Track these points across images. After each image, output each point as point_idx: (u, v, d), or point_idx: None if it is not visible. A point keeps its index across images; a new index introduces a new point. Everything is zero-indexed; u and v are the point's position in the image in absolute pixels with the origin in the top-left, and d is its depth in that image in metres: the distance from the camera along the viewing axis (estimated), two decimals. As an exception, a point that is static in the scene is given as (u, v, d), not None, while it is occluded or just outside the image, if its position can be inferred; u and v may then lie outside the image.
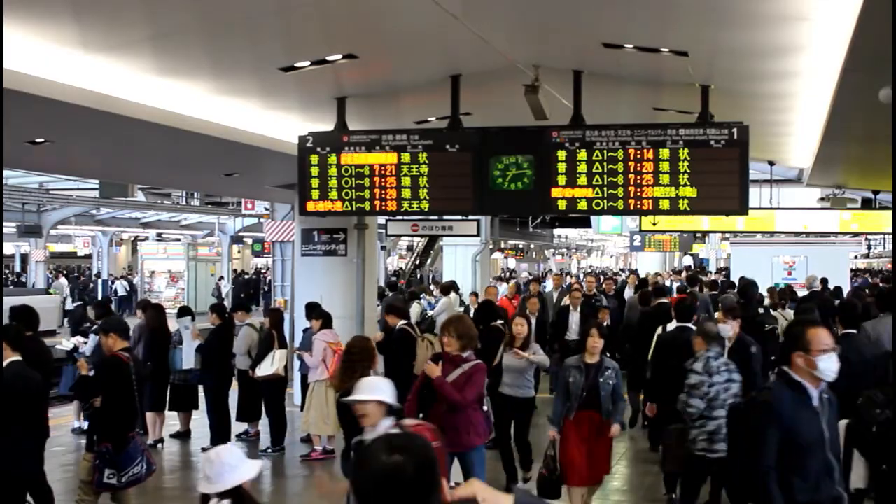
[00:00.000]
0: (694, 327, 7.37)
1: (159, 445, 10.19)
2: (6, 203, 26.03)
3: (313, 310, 10.05)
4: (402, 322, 9.51)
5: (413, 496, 1.83)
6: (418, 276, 30.55)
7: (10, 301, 8.83)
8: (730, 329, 7.24)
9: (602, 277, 23.64)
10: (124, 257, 44.86)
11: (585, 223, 35.93)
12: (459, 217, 15.60)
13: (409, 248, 41.43)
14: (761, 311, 11.17)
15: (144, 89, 7.73)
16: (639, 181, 7.74)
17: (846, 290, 17.00)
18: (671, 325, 8.77)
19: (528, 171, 7.94)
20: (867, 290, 16.16)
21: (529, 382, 8.19)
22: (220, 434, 10.15)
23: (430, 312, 16.16)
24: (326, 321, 9.81)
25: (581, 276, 32.76)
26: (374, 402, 4.50)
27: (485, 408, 6.53)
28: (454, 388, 6.13)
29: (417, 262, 30.99)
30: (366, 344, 6.12)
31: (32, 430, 6.19)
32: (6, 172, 20.98)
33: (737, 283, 15.07)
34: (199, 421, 10.51)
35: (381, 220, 19.48)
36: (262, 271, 40.70)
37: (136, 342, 9.92)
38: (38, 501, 6.51)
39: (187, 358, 10.31)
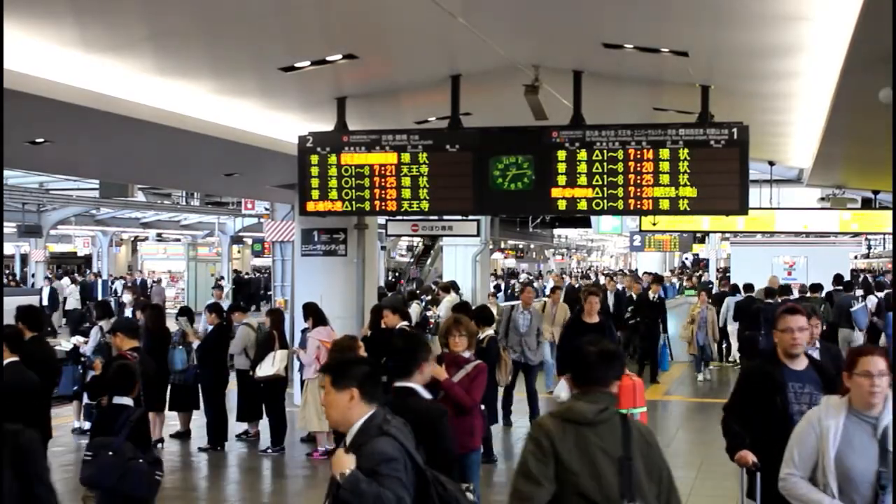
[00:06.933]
0: None
1: (159, 445, 10.18)
2: (6, 203, 26.01)
3: (307, 309, 10.08)
4: (403, 323, 9.47)
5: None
6: (429, 275, 30.30)
7: (9, 301, 8.82)
8: None
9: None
10: (124, 257, 44.83)
11: (585, 223, 35.89)
12: (459, 217, 15.55)
13: (409, 248, 41.37)
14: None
15: (144, 89, 7.72)
16: (639, 181, 7.74)
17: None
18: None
19: (528, 171, 7.93)
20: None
21: None
22: (216, 433, 10.16)
23: (433, 311, 16.07)
24: (320, 319, 9.81)
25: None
26: None
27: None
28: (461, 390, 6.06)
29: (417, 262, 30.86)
30: (352, 343, 6.20)
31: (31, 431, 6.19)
32: (6, 172, 20.95)
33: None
34: (199, 421, 10.51)
35: (381, 220, 19.45)
36: (260, 271, 40.66)
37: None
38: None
39: (189, 358, 10.35)
